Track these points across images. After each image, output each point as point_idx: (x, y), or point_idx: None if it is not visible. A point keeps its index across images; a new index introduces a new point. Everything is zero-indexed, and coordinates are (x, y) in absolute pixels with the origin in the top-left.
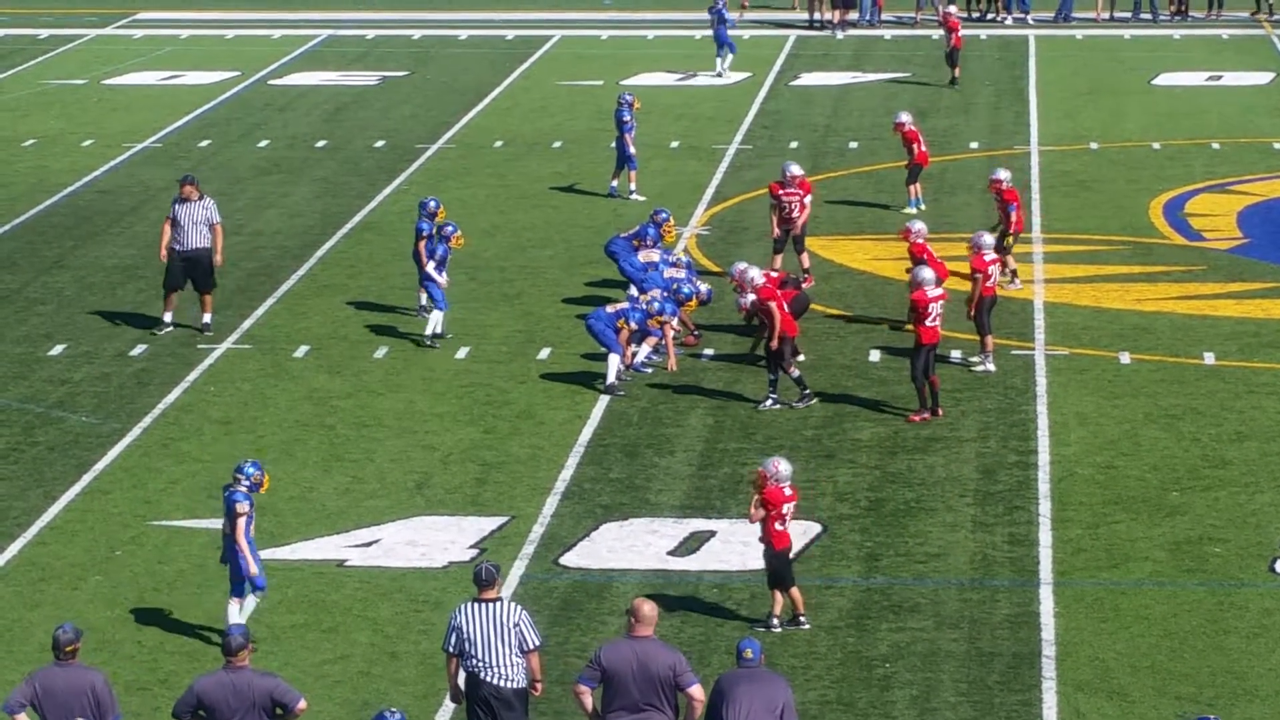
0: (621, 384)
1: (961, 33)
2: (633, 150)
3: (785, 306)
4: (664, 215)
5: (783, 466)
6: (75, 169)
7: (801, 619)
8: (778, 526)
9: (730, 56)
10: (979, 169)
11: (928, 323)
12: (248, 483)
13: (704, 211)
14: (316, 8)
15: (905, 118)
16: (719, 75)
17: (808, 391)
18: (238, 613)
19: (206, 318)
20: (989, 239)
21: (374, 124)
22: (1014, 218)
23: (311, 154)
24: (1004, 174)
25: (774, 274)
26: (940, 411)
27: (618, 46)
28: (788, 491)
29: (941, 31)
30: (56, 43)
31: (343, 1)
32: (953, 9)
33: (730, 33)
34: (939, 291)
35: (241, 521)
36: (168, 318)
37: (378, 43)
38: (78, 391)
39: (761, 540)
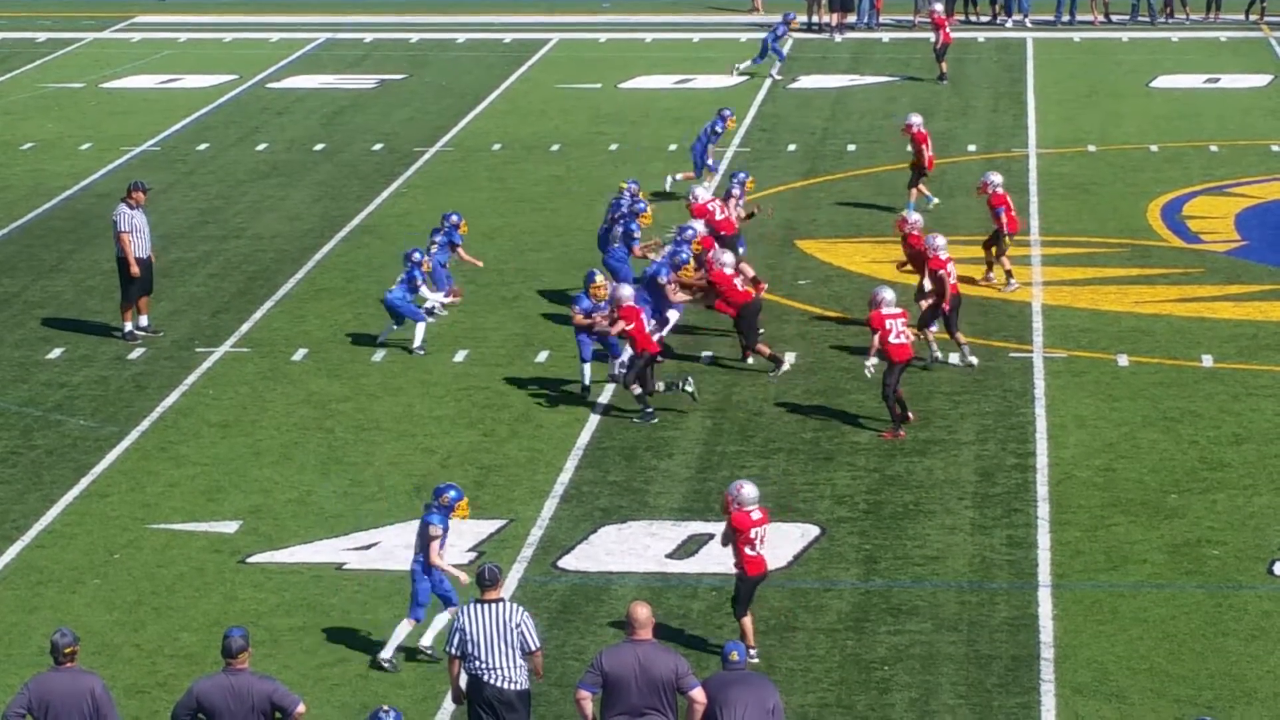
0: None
1: (949, 30)
2: (709, 160)
3: (645, 325)
4: (641, 206)
5: (746, 490)
6: (73, 172)
7: (751, 651)
8: (747, 551)
9: (759, 62)
10: (977, 171)
11: (892, 339)
12: (436, 503)
13: None
14: (314, 11)
15: (915, 120)
16: (779, 78)
17: (649, 410)
18: (403, 635)
19: (145, 320)
20: (941, 240)
21: (372, 127)
22: (1004, 219)
23: (309, 157)
24: (994, 177)
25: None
26: (903, 431)
27: (616, 49)
28: (755, 515)
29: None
30: (54, 46)
31: (340, 5)
32: (938, 7)
33: (728, 35)
34: (897, 310)
35: (434, 544)
36: (143, 322)
37: (375, 46)
38: (76, 395)
39: (735, 566)
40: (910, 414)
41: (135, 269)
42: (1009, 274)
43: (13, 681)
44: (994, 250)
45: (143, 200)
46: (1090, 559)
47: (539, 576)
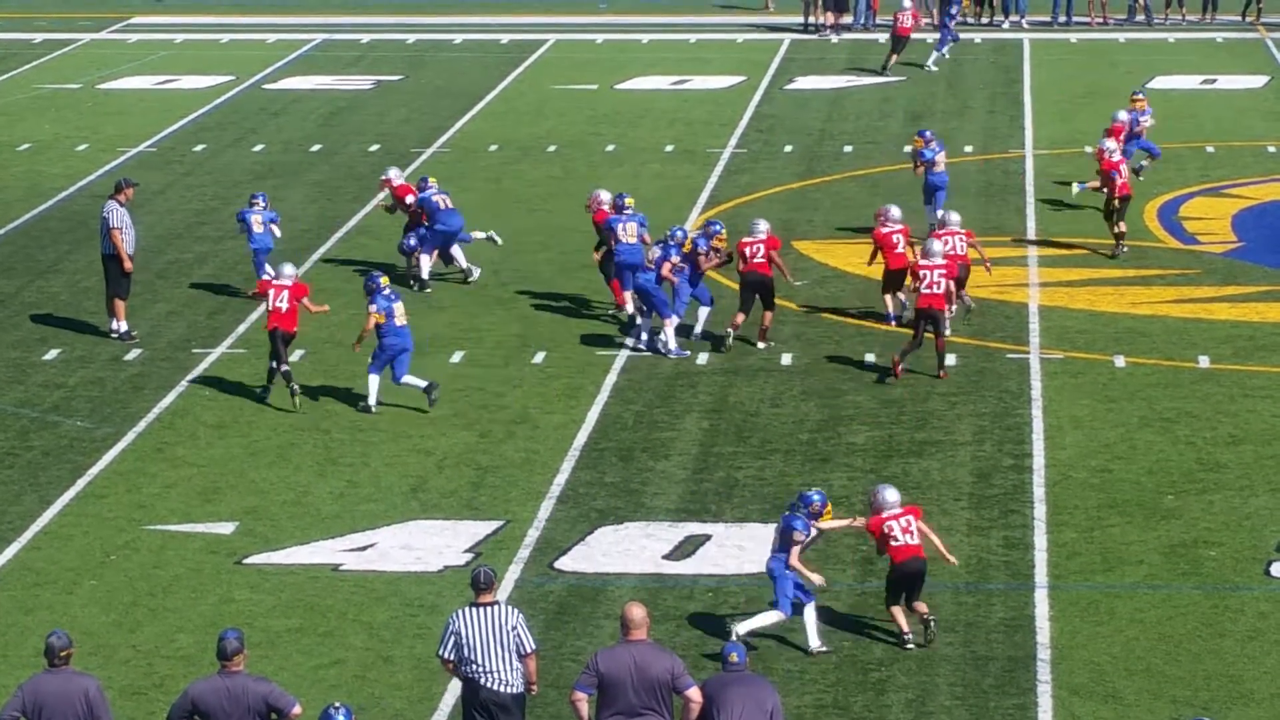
0: (665, 346)
1: (910, 33)
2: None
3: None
4: (716, 228)
5: (885, 494)
6: (69, 174)
7: (906, 637)
8: (892, 544)
9: (944, 47)
10: (973, 173)
11: (921, 288)
12: (806, 510)
13: (699, 215)
14: (311, 12)
15: (1110, 143)
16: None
17: (292, 386)
18: (767, 622)
19: (124, 325)
20: (896, 211)
21: (368, 128)
22: (1117, 184)
23: (306, 158)
24: (1108, 144)
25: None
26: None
27: (612, 50)
28: (893, 512)
29: (890, 33)
30: (51, 47)
31: (337, 6)
32: (906, 10)
33: (725, 37)
34: (938, 261)
35: (795, 550)
36: (122, 327)
37: (372, 47)
38: (72, 396)
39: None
40: (899, 368)
41: (129, 264)
42: (1118, 236)
43: (9, 683)
44: (1112, 218)
45: (131, 196)
46: (1087, 560)
47: (535, 578)
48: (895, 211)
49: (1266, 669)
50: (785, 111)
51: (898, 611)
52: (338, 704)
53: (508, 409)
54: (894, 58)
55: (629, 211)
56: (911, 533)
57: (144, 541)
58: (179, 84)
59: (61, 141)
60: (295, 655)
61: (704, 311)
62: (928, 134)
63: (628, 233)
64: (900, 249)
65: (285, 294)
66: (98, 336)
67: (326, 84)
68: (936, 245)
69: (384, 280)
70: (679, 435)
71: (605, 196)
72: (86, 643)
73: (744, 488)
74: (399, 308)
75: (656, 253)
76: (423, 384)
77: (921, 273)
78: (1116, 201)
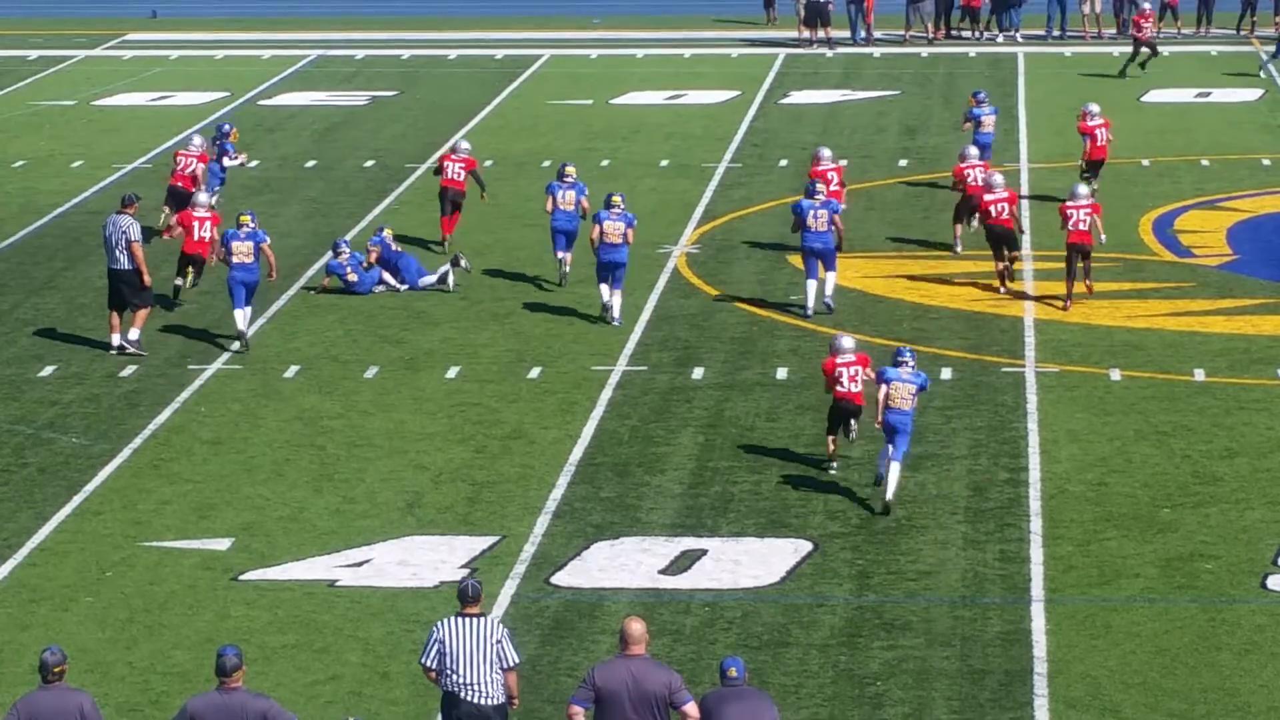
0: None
1: (1147, 35)
2: None
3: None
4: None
5: (841, 341)
6: (65, 190)
7: (831, 465)
8: (837, 388)
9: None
10: None
11: (1067, 227)
12: (913, 361)
13: (694, 230)
14: (306, 28)
15: (1094, 108)
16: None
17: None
18: (896, 473)
19: (135, 333)
20: (827, 151)
21: (364, 144)
22: (1086, 147)
23: (301, 174)
24: (1091, 108)
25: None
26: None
27: (607, 66)
28: (843, 359)
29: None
30: (46, 64)
31: (332, 22)
32: (1146, 6)
33: (719, 51)
34: (1084, 203)
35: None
36: (133, 335)
37: (367, 63)
38: (68, 413)
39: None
40: (1068, 302)
41: (149, 278)
42: (1092, 191)
43: (5, 700)
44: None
45: (136, 211)
46: (1083, 573)
47: (531, 593)
48: (826, 151)
49: (1263, 682)
50: (780, 126)
51: (831, 441)
52: (352, 718)
53: (503, 424)
54: (1145, 55)
55: (570, 180)
56: (856, 380)
57: (140, 558)
58: (174, 100)
59: (57, 158)
60: (291, 671)
61: (811, 284)
62: (981, 94)
63: (566, 200)
64: (834, 186)
65: (207, 224)
66: (94, 353)
67: (321, 100)
68: (1082, 189)
69: (244, 219)
70: (675, 450)
71: (465, 145)
72: (82, 660)
73: (740, 502)
74: (240, 246)
75: (825, 215)
76: (239, 328)
77: (1069, 212)
78: (1084, 163)
